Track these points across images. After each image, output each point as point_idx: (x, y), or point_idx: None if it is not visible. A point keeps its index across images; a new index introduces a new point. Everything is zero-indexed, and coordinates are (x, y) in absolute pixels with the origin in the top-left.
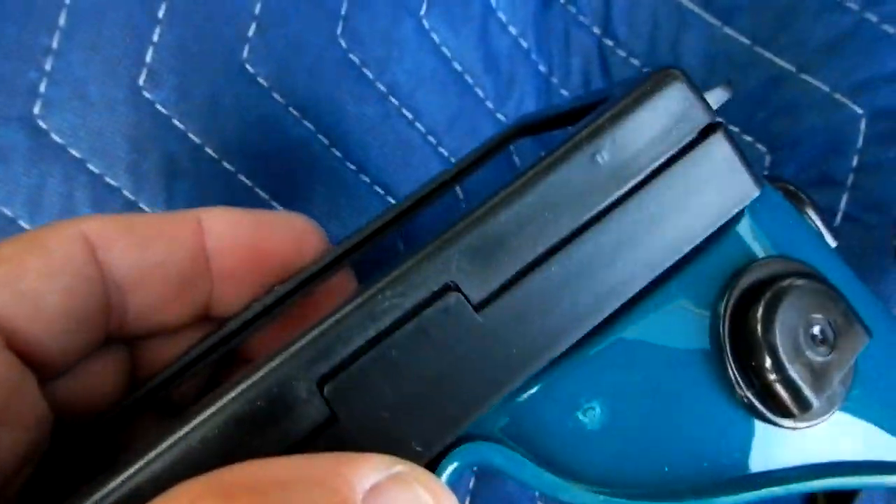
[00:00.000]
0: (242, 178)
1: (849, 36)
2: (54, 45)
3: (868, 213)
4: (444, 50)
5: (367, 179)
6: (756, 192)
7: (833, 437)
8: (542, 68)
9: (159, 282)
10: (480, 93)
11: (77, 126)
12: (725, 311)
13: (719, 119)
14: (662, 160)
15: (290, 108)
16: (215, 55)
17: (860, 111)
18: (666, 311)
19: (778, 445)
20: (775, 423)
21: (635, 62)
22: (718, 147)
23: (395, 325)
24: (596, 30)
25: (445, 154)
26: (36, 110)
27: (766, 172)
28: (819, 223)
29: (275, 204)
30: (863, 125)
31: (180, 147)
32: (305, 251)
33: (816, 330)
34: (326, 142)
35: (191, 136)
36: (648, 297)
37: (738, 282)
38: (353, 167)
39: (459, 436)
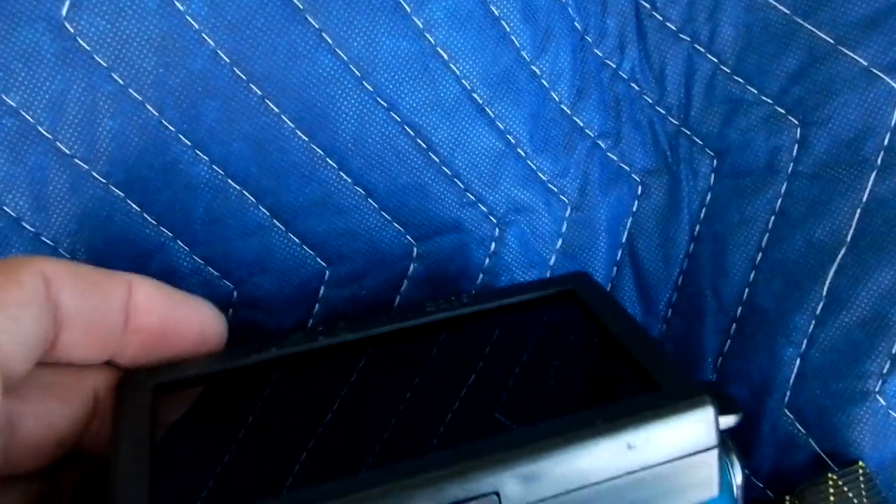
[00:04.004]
0: (269, 103)
1: (890, 11)
2: None
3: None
4: None
5: (397, 118)
6: (716, 494)
7: None
8: (577, 25)
9: (88, 324)
10: (517, 41)
11: (105, 32)
12: None
13: (718, 442)
14: (670, 458)
15: (324, 34)
16: None
17: None
18: None
19: None
20: None
21: (671, 27)
22: (710, 461)
23: None
24: None
25: (479, 101)
26: (64, 11)
27: (796, 144)
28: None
29: (299, 133)
30: None
31: (208, 65)
32: (206, 335)
33: None
34: (358, 73)
35: (220, 54)
36: None
37: None
38: (384, 104)
39: None
